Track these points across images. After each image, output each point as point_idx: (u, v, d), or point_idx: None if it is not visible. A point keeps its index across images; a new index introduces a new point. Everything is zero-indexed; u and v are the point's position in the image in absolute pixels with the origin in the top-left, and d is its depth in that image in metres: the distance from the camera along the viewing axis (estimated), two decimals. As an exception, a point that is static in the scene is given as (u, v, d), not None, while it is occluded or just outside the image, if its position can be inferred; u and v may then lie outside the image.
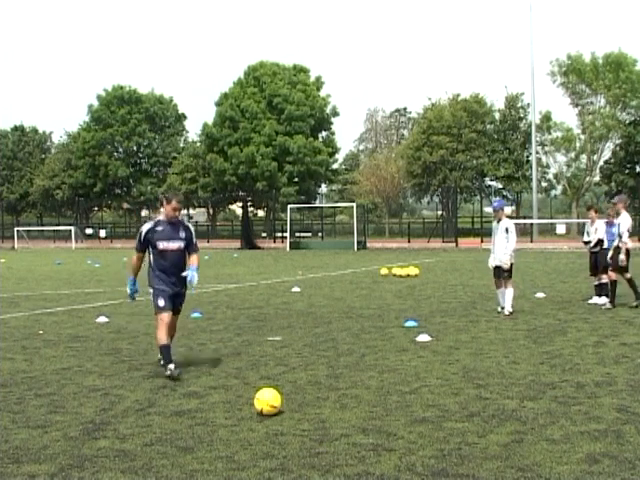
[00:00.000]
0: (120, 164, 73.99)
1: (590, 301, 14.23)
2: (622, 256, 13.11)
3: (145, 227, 8.32)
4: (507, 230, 12.66)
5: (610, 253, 13.51)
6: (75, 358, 9.20)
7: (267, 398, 6.38)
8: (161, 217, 8.46)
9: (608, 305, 13.39)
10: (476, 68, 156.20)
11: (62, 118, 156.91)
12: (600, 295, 14.10)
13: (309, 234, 56.26)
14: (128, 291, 8.53)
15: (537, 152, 57.97)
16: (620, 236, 13.21)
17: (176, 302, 8.31)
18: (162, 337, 8.01)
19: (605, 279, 13.88)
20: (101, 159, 73.35)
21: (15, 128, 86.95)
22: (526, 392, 7.04)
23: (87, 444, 5.63)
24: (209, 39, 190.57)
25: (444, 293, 16.65)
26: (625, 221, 13.24)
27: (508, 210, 63.46)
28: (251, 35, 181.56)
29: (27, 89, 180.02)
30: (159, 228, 8.26)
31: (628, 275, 13.38)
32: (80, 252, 47.39)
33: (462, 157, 62.82)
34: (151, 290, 8.23)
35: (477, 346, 9.62)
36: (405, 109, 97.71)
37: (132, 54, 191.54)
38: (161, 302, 8.08)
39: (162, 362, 8.11)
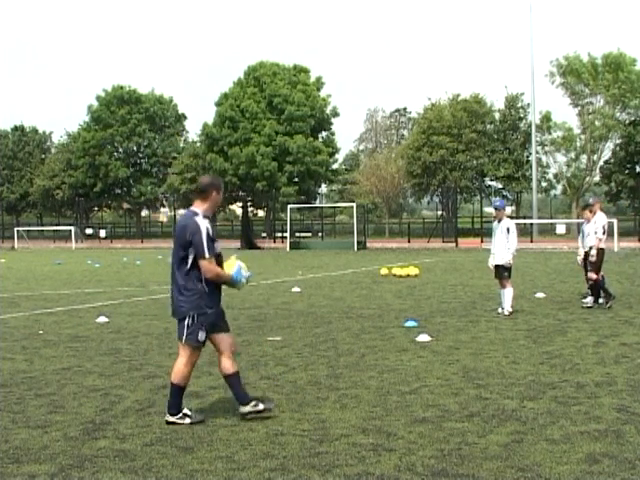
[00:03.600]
0: (120, 164, 73.94)
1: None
2: (593, 251, 13.33)
3: (202, 222, 6.03)
4: (508, 230, 12.70)
5: (583, 254, 13.84)
6: (75, 358, 9.20)
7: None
8: (198, 211, 6.14)
9: (597, 299, 13.49)
10: (476, 68, 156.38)
11: (62, 118, 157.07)
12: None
13: (309, 234, 56.21)
14: (243, 279, 6.30)
15: (537, 152, 57.95)
16: (596, 232, 13.44)
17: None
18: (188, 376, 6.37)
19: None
20: (101, 159, 73.29)
21: (15, 128, 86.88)
22: (526, 392, 7.04)
23: (87, 444, 5.64)
24: (209, 39, 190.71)
25: (444, 293, 16.65)
26: (601, 219, 13.54)
27: (508, 210, 63.48)
28: (251, 35, 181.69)
29: (27, 89, 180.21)
30: (210, 224, 6.15)
31: (598, 275, 13.46)
32: (80, 252, 47.36)
33: (462, 157, 62.77)
34: (195, 314, 6.10)
35: (477, 346, 9.62)
36: (405, 109, 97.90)
37: (132, 54, 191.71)
38: (203, 335, 6.19)
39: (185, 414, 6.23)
